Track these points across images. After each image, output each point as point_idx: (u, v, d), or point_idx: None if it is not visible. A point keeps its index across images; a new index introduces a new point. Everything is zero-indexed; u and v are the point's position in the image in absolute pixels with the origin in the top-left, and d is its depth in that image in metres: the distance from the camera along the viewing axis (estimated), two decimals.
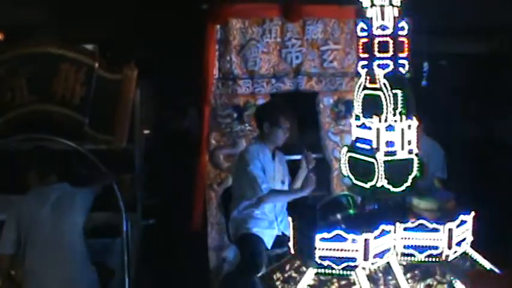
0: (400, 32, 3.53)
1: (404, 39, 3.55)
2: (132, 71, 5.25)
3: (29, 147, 4.89)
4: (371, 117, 3.55)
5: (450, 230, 3.59)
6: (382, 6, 3.52)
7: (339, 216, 3.66)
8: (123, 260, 5.06)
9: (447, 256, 3.60)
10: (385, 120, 3.51)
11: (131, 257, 5.18)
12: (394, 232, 3.58)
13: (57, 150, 4.93)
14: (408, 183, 3.59)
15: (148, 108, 6.31)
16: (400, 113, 3.54)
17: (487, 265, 3.84)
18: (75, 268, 4.38)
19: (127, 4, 7.97)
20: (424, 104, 3.96)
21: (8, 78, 5.28)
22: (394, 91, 3.51)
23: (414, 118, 3.60)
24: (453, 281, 3.55)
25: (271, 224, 4.82)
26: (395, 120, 3.53)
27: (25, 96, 5.31)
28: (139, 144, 5.53)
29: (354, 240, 3.39)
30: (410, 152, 3.59)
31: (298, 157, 5.56)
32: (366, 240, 3.38)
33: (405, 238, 3.60)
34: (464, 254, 3.80)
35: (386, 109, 3.51)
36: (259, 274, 4.05)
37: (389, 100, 3.50)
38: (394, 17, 3.53)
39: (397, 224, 3.59)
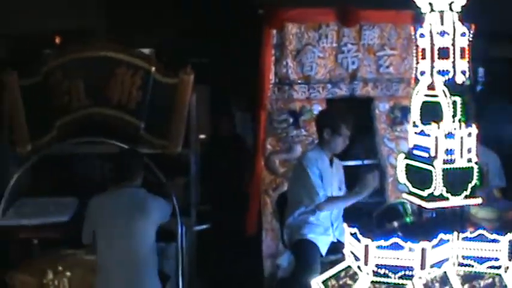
0: (460, 38, 3.47)
1: (465, 45, 3.49)
2: (188, 75, 5.25)
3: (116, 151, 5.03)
4: (429, 124, 3.50)
5: (511, 241, 3.50)
6: (441, 11, 3.47)
7: (395, 224, 3.62)
8: (177, 265, 5.09)
9: (507, 268, 3.52)
10: (444, 128, 3.46)
11: (185, 262, 5.20)
12: (453, 242, 3.51)
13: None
14: (467, 192, 3.53)
15: (204, 113, 6.37)
16: (460, 121, 3.49)
17: None
18: (141, 272, 4.45)
19: (183, 9, 8.05)
20: (480, 111, 3.89)
21: (65, 81, 5.35)
22: (453, 98, 3.46)
23: (474, 126, 3.54)
24: None
25: (326, 231, 4.80)
26: (454, 128, 3.47)
27: (82, 100, 5.38)
28: (194, 149, 5.53)
29: (411, 249, 3.34)
30: (469, 160, 3.52)
31: (353, 163, 5.57)
32: (423, 249, 3.33)
33: (464, 248, 3.53)
34: None
35: (446, 116, 3.45)
36: (313, 280, 4.03)
37: (449, 107, 3.44)
38: (454, 23, 3.48)
39: (456, 233, 3.52)
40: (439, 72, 3.48)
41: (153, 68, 5.31)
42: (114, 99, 5.37)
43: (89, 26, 8.65)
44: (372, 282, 3.43)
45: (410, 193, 3.68)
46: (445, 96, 3.45)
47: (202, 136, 6.30)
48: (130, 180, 4.63)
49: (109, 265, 4.44)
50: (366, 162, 5.82)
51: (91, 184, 6.13)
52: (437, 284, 3.44)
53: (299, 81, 5.60)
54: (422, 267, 3.36)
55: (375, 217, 3.67)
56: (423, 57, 3.56)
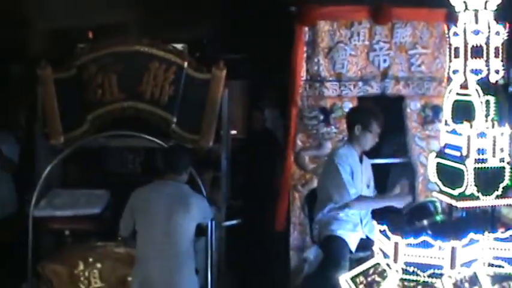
0: (494, 37, 3.45)
1: (499, 45, 3.47)
2: (220, 70, 5.30)
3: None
4: (461, 123, 3.49)
5: None
6: (476, 10, 3.45)
7: (425, 222, 3.62)
8: (206, 259, 5.13)
9: None
10: (477, 127, 3.44)
11: (214, 256, 5.24)
12: (483, 242, 3.50)
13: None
14: (499, 192, 3.50)
15: (236, 108, 6.40)
16: (492, 120, 3.46)
17: None
18: (179, 265, 4.50)
19: (216, 5, 8.08)
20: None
21: (99, 75, 5.43)
22: (486, 97, 3.44)
23: (507, 125, 3.51)
24: None
25: (355, 227, 4.82)
26: (487, 127, 3.45)
27: (115, 94, 5.45)
28: (226, 144, 5.57)
29: (440, 248, 3.33)
30: (501, 160, 3.49)
31: (381, 161, 5.56)
32: (453, 248, 3.32)
33: (494, 248, 3.51)
34: None
35: (478, 115, 3.43)
36: (342, 276, 4.05)
37: (482, 106, 3.43)
38: (489, 22, 3.46)
39: (486, 233, 3.51)
40: (472, 71, 3.46)
41: (186, 63, 5.36)
42: (146, 93, 5.43)
43: (122, 21, 8.73)
44: (401, 279, 3.44)
45: (441, 192, 3.66)
46: (478, 95, 3.43)
47: (233, 132, 6.30)
48: (175, 174, 4.66)
49: (148, 257, 4.48)
50: (396, 161, 5.81)
51: (121, 178, 6.22)
52: (466, 284, 3.42)
53: (330, 79, 5.61)
54: (452, 266, 3.35)
55: (405, 215, 3.67)
56: (456, 56, 3.54)
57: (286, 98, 5.79)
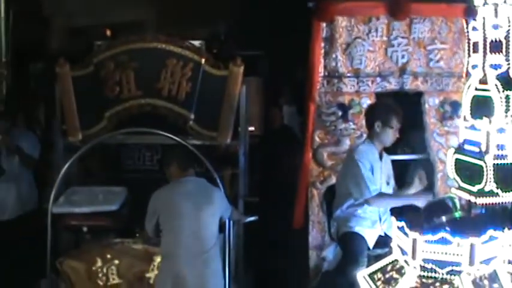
0: None
1: None
2: (238, 67, 5.32)
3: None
4: (481, 119, 3.46)
5: None
6: (496, 4, 3.41)
7: (444, 218, 3.58)
8: (224, 256, 5.13)
9: None
10: (496, 123, 3.40)
11: (232, 253, 5.26)
12: (503, 239, 3.46)
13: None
14: None
15: (254, 105, 6.40)
16: None
17: None
18: (207, 259, 4.55)
19: (234, 2, 8.09)
20: None
21: (116, 72, 5.48)
22: (506, 92, 3.40)
23: None
24: None
25: (373, 224, 4.80)
26: (506, 123, 3.41)
27: (132, 91, 5.50)
28: (243, 141, 5.59)
29: (459, 244, 3.31)
30: None
31: (400, 157, 5.53)
32: (472, 245, 3.29)
33: None
34: None
35: (498, 111, 3.40)
36: (360, 273, 4.04)
37: (501, 102, 3.39)
38: (509, 16, 3.41)
39: (506, 230, 3.47)
40: (491, 66, 3.43)
41: (203, 60, 5.39)
42: (164, 90, 5.48)
43: (139, 18, 8.78)
44: (419, 276, 3.42)
45: (460, 188, 3.64)
46: (498, 90, 3.40)
47: (251, 128, 6.30)
48: (193, 170, 4.73)
49: (177, 254, 4.52)
50: (415, 157, 5.77)
51: (139, 174, 6.25)
52: (486, 281, 3.39)
53: (348, 75, 5.58)
54: (471, 263, 3.32)
55: (423, 211, 3.64)
56: (475, 51, 3.51)
57: (303, 94, 5.78)
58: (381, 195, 4.72)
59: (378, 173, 4.80)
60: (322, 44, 5.52)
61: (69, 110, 5.50)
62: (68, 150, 5.57)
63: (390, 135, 4.80)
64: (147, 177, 6.03)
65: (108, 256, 5.00)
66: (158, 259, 4.88)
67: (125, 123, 5.50)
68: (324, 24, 5.50)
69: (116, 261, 4.99)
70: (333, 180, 5.44)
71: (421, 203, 4.50)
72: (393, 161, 5.18)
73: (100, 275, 4.98)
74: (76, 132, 5.51)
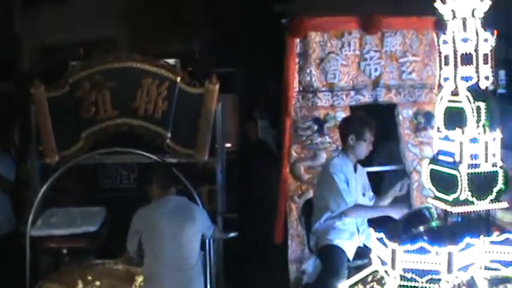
0: (483, 44, 3.50)
1: (488, 51, 3.52)
2: (213, 84, 5.33)
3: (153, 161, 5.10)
4: (454, 130, 3.53)
5: None
6: (464, 18, 3.50)
7: (421, 228, 3.65)
8: (205, 273, 5.12)
9: None
10: (469, 133, 3.48)
11: (213, 269, 5.26)
12: (479, 246, 3.53)
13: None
14: (492, 196, 3.54)
15: (230, 121, 6.40)
16: (484, 126, 3.51)
17: None
18: (190, 278, 4.55)
19: (207, 19, 8.13)
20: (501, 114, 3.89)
21: (92, 92, 5.45)
22: (477, 103, 3.48)
23: (498, 130, 3.56)
24: None
25: (352, 236, 4.84)
26: (479, 133, 3.49)
27: (108, 111, 5.47)
28: (220, 157, 5.58)
29: (437, 253, 3.37)
30: (494, 164, 3.53)
31: (376, 169, 5.59)
32: (449, 253, 3.35)
33: (490, 252, 3.54)
34: None
35: (470, 122, 3.48)
36: (341, 285, 4.07)
37: (473, 113, 3.47)
38: (477, 29, 3.51)
39: (482, 237, 3.54)
40: (462, 78, 3.50)
41: (179, 78, 5.40)
42: (140, 109, 5.46)
43: (111, 37, 8.76)
44: (399, 286, 3.46)
45: (436, 197, 3.70)
46: (469, 101, 3.48)
47: (228, 145, 6.31)
48: (174, 189, 4.74)
49: (160, 273, 4.50)
50: (390, 168, 5.86)
51: (116, 193, 6.23)
52: None
53: (323, 89, 5.66)
54: (449, 271, 3.38)
55: (401, 222, 3.70)
56: (446, 64, 3.59)
57: (276, 108, 5.82)
58: (357, 206, 4.77)
59: (353, 185, 4.85)
60: (297, 60, 5.59)
61: (45, 131, 5.45)
62: (43, 171, 5.52)
63: (364, 148, 4.86)
64: (124, 196, 6.02)
65: (89, 278, 4.93)
66: (140, 279, 4.83)
67: (101, 143, 5.47)
68: (298, 40, 5.57)
69: (97, 283, 4.92)
70: (311, 194, 5.50)
71: (396, 214, 4.56)
72: (370, 173, 5.24)
73: None
74: (53, 154, 5.45)
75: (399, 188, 4.92)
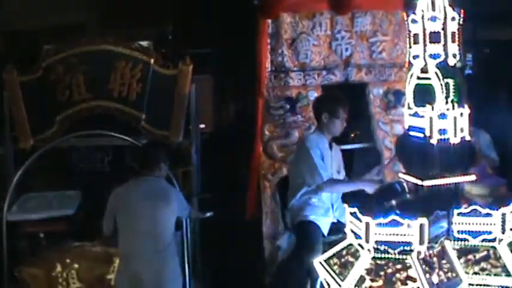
0: (451, 23, 3.60)
1: (455, 30, 3.62)
2: (187, 66, 5.34)
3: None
4: (423, 106, 3.63)
5: (503, 215, 3.62)
6: None
7: (393, 202, 3.75)
8: (182, 252, 5.20)
9: (501, 240, 3.66)
10: (438, 109, 3.59)
11: (190, 249, 5.31)
12: (448, 217, 3.66)
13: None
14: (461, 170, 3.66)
15: (205, 103, 6.42)
16: (452, 101, 3.61)
17: None
18: (165, 258, 4.58)
19: (182, 1, 8.09)
20: (468, 94, 4.01)
21: (65, 76, 5.43)
22: (445, 80, 3.58)
23: (466, 106, 3.67)
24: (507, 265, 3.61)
25: (327, 212, 4.94)
26: (447, 109, 3.59)
27: (82, 94, 5.46)
28: (195, 138, 5.63)
29: (409, 226, 3.47)
30: (462, 139, 3.65)
31: (349, 147, 5.69)
32: (421, 225, 3.47)
33: (459, 223, 3.67)
34: None
35: (439, 98, 3.58)
36: (316, 260, 4.17)
37: (442, 89, 3.57)
38: (445, 8, 3.60)
39: (451, 209, 3.66)
40: (431, 55, 3.60)
41: (152, 60, 5.40)
42: (114, 92, 5.46)
43: (83, 20, 8.67)
44: (373, 258, 3.57)
45: (407, 172, 3.82)
46: (438, 78, 3.58)
47: (201, 126, 6.35)
48: (151, 171, 4.73)
49: (134, 254, 4.54)
50: (362, 146, 5.97)
51: (91, 177, 6.24)
52: (435, 258, 3.58)
53: (295, 69, 5.73)
54: (421, 242, 3.50)
55: (374, 196, 3.80)
56: (416, 42, 3.68)
57: (248, 89, 5.87)
58: (332, 180, 4.86)
59: (329, 162, 4.93)
60: (268, 40, 5.64)
61: (18, 116, 5.43)
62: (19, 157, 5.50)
63: (338, 126, 4.94)
64: (99, 179, 6.03)
65: (67, 261, 4.98)
66: (118, 261, 4.87)
67: (76, 126, 5.47)
68: (270, 21, 5.62)
69: (76, 265, 4.98)
70: (284, 172, 5.58)
71: (370, 187, 4.67)
72: (343, 151, 5.34)
73: (60, 280, 4.96)
74: (27, 139, 5.44)
75: (376, 172, 4.97)
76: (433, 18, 3.58)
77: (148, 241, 4.54)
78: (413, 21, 3.66)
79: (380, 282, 3.49)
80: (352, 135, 6.10)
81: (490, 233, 3.64)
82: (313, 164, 4.78)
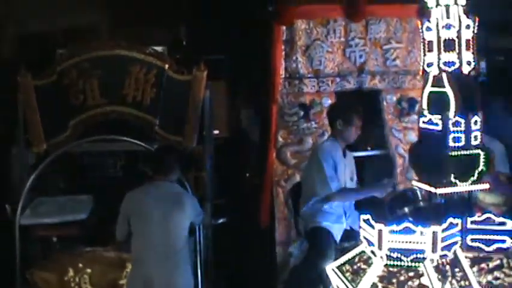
0: (465, 30, 3.60)
1: (470, 38, 3.62)
2: (201, 72, 5.32)
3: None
4: (437, 114, 3.63)
5: None
6: (447, 5, 3.60)
7: (406, 209, 3.75)
8: (195, 258, 5.19)
9: None
10: (452, 117, 3.58)
11: (202, 255, 5.29)
12: (461, 225, 3.65)
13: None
14: (474, 178, 3.65)
15: (219, 108, 6.40)
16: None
17: None
18: (177, 263, 4.58)
19: (196, 7, 8.09)
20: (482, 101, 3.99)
21: (80, 80, 5.40)
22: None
23: (480, 114, 3.66)
24: None
25: (339, 219, 4.94)
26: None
27: (97, 98, 5.43)
28: (208, 144, 5.60)
29: (422, 233, 3.47)
30: (476, 147, 3.64)
31: (362, 154, 5.69)
32: (434, 232, 3.46)
33: (472, 232, 3.66)
34: None
35: (453, 105, 3.58)
36: (328, 266, 4.17)
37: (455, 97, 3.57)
38: (460, 16, 3.60)
39: (464, 217, 3.65)
40: (445, 63, 3.61)
41: (167, 65, 5.38)
42: (128, 97, 5.43)
43: (99, 25, 8.68)
44: (386, 265, 3.57)
45: (420, 180, 3.81)
46: (452, 86, 3.58)
47: (216, 132, 6.30)
48: (165, 175, 4.73)
49: (147, 258, 4.53)
50: (375, 153, 5.96)
51: (103, 182, 6.24)
52: (447, 266, 3.58)
53: (309, 76, 5.73)
54: (434, 250, 3.49)
55: (386, 204, 3.80)
56: (430, 50, 3.69)
57: (261, 96, 5.88)
58: (342, 190, 4.87)
59: (342, 169, 4.95)
60: (283, 47, 5.65)
61: (32, 120, 5.38)
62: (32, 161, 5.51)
63: (352, 133, 4.95)
64: (112, 184, 6.03)
65: (80, 265, 4.98)
66: (131, 266, 4.85)
67: (89, 131, 5.46)
68: (284, 27, 5.63)
69: (88, 270, 4.97)
70: (297, 178, 5.58)
71: (380, 193, 4.67)
72: (356, 158, 5.34)
73: (72, 284, 4.95)
74: (40, 143, 5.38)
75: (386, 182, 4.92)
76: (448, 26, 3.58)
77: (161, 246, 4.54)
78: (428, 28, 3.67)
79: None
80: (369, 148, 6.07)
81: (503, 242, 3.63)
82: (323, 175, 4.81)
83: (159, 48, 5.67)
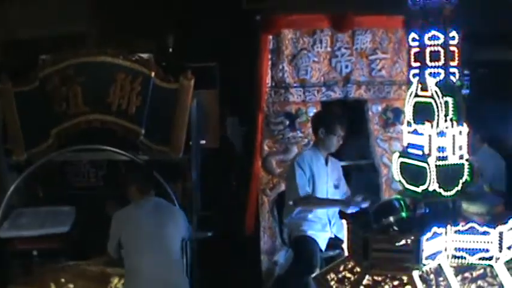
0: (450, 42, 3.64)
1: (455, 48, 3.67)
2: (188, 80, 5.18)
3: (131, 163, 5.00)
4: (423, 124, 3.66)
5: (501, 233, 3.66)
6: (433, 17, 3.63)
7: (391, 219, 3.77)
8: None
9: (498, 259, 3.68)
10: (437, 127, 3.62)
11: (189, 266, 5.16)
12: (446, 235, 3.67)
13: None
14: (459, 188, 3.68)
15: (207, 118, 6.33)
16: (451, 120, 3.64)
17: None
18: (172, 274, 4.50)
19: (183, 14, 8.08)
20: (472, 113, 4.03)
21: (63, 87, 5.21)
22: (445, 98, 3.62)
23: (465, 124, 3.70)
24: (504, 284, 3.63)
25: (324, 227, 4.97)
26: (446, 127, 3.63)
27: (80, 106, 5.23)
28: (195, 155, 5.45)
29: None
30: (461, 157, 3.68)
31: (347, 163, 5.72)
32: (418, 241, 3.48)
33: (456, 241, 3.69)
34: None
35: (438, 116, 3.61)
36: (313, 275, 4.17)
37: (441, 107, 3.61)
38: (445, 27, 3.64)
39: (448, 226, 3.68)
40: (430, 74, 3.65)
41: (153, 73, 5.21)
42: (113, 105, 5.24)
43: (84, 31, 8.65)
44: (370, 274, 3.58)
45: (405, 189, 3.84)
46: (437, 96, 3.62)
47: (202, 142, 6.18)
48: (150, 190, 4.67)
49: (141, 273, 4.41)
50: (360, 162, 5.99)
51: (84, 192, 6.12)
52: (432, 275, 3.60)
53: (295, 85, 5.75)
54: (418, 259, 3.51)
55: (372, 213, 3.81)
56: (416, 60, 3.73)
57: (245, 105, 5.87)
58: (308, 197, 4.89)
59: (324, 178, 4.99)
60: (269, 56, 5.67)
61: (12, 128, 5.20)
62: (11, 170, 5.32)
63: (334, 142, 4.98)
64: (93, 194, 5.93)
65: (62, 280, 4.76)
66: (115, 281, 4.75)
67: (71, 140, 5.27)
68: (271, 37, 5.65)
69: (71, 285, 4.75)
70: (282, 187, 5.58)
71: (345, 208, 4.73)
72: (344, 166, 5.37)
73: None
74: (21, 152, 5.21)
75: (360, 199, 4.78)
76: (433, 37, 3.62)
77: (155, 260, 4.44)
78: (414, 39, 3.70)
79: None
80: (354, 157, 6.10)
81: (487, 251, 3.67)
82: (294, 183, 4.87)
83: (145, 56, 5.55)
